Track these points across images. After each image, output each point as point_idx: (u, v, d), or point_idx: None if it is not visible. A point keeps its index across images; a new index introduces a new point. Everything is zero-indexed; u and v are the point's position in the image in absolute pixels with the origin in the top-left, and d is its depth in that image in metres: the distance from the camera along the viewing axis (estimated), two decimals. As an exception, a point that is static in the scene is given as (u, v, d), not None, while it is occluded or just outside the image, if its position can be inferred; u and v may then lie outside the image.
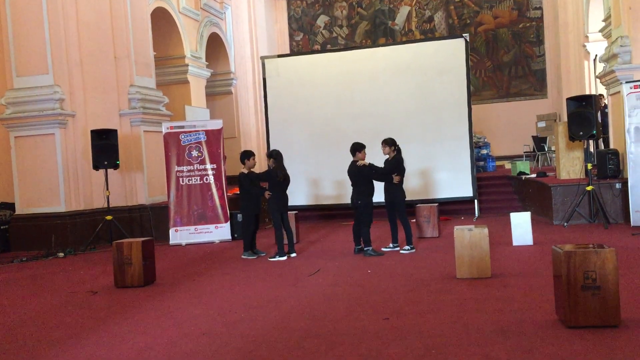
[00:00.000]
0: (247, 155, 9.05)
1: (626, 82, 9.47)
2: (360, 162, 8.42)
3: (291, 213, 10.05)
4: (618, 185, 9.83)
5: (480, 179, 13.41)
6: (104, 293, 6.87)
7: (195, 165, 11.05)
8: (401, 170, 8.52)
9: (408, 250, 8.36)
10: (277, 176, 8.55)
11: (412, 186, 12.16)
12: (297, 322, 5.08)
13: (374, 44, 20.60)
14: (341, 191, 12.49)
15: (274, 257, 8.44)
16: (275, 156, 8.70)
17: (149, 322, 5.42)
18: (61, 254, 10.05)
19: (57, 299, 6.70)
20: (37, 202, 11.01)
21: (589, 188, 9.67)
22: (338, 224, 12.39)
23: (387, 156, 8.64)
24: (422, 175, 12.17)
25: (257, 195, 8.92)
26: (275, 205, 8.60)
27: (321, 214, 13.41)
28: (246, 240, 8.89)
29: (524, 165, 13.42)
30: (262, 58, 13.45)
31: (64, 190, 10.94)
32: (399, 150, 8.59)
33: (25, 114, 10.98)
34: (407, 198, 12.49)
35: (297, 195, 12.71)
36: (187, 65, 15.57)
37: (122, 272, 7.04)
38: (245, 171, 8.93)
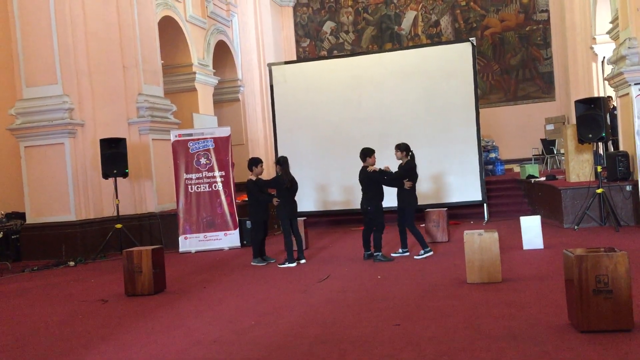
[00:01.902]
0: (254, 163, 9.07)
1: (635, 84, 9.42)
2: (370, 168, 8.40)
3: (300, 219, 10.04)
4: (629, 188, 9.77)
5: (489, 183, 13.36)
6: (115, 301, 6.89)
7: (203, 172, 11.08)
8: (413, 176, 8.46)
9: (423, 254, 8.29)
10: (284, 183, 8.55)
11: (420, 191, 12.09)
12: (307, 329, 5.07)
13: (381, 49, 20.62)
14: (349, 196, 12.47)
15: (284, 264, 8.44)
16: (281, 163, 8.71)
17: (159, 331, 5.43)
18: (72, 263, 10.09)
19: (67, 308, 6.73)
20: (47, 211, 11.07)
21: (599, 191, 9.61)
22: (347, 230, 12.37)
23: (400, 161, 8.58)
24: (431, 179, 12.14)
25: (265, 202, 8.94)
26: (284, 212, 8.61)
27: (330, 220, 13.39)
28: (255, 247, 8.90)
29: (533, 169, 13.36)
30: (269, 65, 13.49)
31: (74, 199, 10.99)
32: (412, 156, 8.53)
33: (35, 124, 11.05)
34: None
35: (306, 201, 12.70)
36: (195, 73, 15.64)
37: (132, 280, 7.06)
38: (253, 178, 8.95)
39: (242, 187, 16.19)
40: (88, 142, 11.31)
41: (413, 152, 8.59)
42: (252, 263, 8.82)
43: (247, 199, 9.24)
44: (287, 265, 8.40)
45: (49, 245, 10.73)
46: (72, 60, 11.15)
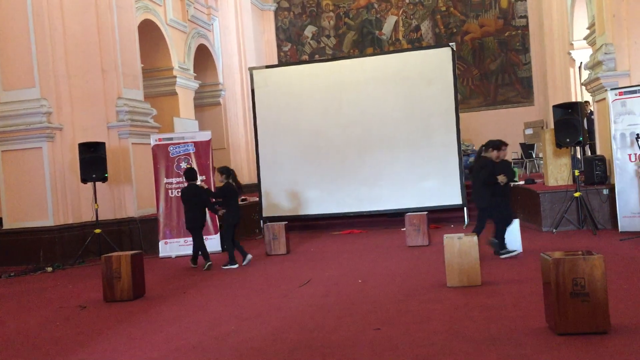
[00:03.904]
0: (196, 172, 9.57)
1: (611, 89, 9.56)
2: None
3: (281, 224, 10.05)
4: (605, 191, 9.90)
5: (469, 187, 13.44)
6: (93, 308, 6.82)
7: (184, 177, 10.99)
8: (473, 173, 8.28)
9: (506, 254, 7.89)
10: (232, 191, 9.01)
11: (401, 194, 12.21)
12: (288, 334, 5.06)
13: (362, 54, 20.72)
14: (331, 201, 12.50)
15: (227, 265, 8.82)
16: (226, 172, 9.10)
17: (138, 337, 5.38)
18: (49, 269, 9.95)
19: (45, 315, 6.64)
20: (24, 216, 10.91)
21: (577, 194, 9.73)
22: (328, 234, 12.36)
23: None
24: (411, 183, 12.21)
25: (211, 210, 9.42)
26: (231, 219, 8.99)
27: (311, 224, 13.36)
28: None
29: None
30: (250, 69, 13.48)
31: (52, 204, 10.85)
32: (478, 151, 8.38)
33: (12, 127, 10.90)
34: (397, 207, 12.49)
35: (287, 205, 12.72)
36: (175, 76, 15.55)
37: (111, 286, 6.99)
38: (205, 185, 9.46)
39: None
40: (66, 146, 11.18)
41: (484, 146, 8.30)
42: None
43: (191, 204, 9.19)
44: (229, 267, 8.76)
45: (27, 250, 10.57)
46: (50, 63, 11.02)
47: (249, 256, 9.01)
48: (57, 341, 5.46)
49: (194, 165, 11.03)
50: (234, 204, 9.05)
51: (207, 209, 9.34)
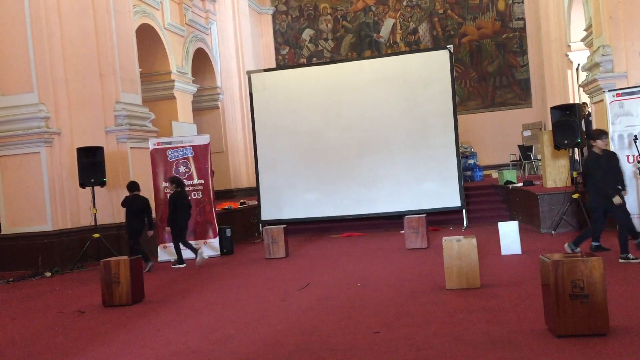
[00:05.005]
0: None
1: (609, 91, 9.56)
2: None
3: (280, 227, 10.04)
4: (604, 193, 9.88)
5: (468, 189, 13.47)
6: (92, 313, 6.80)
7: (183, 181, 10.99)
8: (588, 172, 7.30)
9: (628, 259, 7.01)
10: (180, 199, 9.79)
11: (400, 197, 12.20)
12: (287, 338, 5.05)
13: (360, 57, 20.73)
14: (329, 204, 12.48)
15: (176, 265, 9.83)
16: (177, 182, 9.94)
17: (137, 342, 5.37)
18: (48, 274, 9.94)
19: (44, 320, 6.62)
20: (23, 221, 10.89)
21: (576, 196, 9.73)
22: (327, 237, 12.36)
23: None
24: (410, 186, 12.20)
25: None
26: (179, 224, 9.84)
27: (310, 227, 13.35)
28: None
29: (510, 174, 13.50)
30: (249, 72, 13.48)
31: (51, 209, 10.83)
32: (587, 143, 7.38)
33: (10, 132, 10.89)
34: (396, 209, 12.40)
35: (285, 208, 12.70)
36: (173, 80, 15.55)
37: (110, 290, 6.98)
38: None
39: (221, 195, 16.07)
40: (65, 151, 11.16)
41: (598, 139, 7.18)
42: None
43: (131, 212, 9.74)
44: (178, 266, 9.76)
45: (25, 255, 10.55)
46: (48, 68, 11.01)
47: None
48: (56, 347, 5.45)
49: (192, 169, 11.05)
50: (182, 211, 9.84)
51: (148, 217, 9.87)
